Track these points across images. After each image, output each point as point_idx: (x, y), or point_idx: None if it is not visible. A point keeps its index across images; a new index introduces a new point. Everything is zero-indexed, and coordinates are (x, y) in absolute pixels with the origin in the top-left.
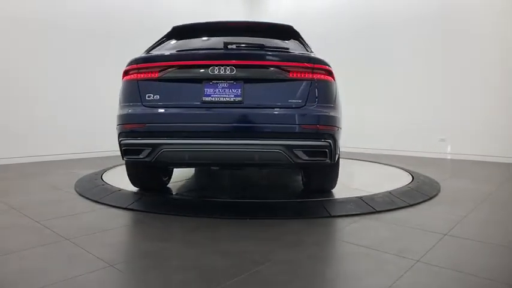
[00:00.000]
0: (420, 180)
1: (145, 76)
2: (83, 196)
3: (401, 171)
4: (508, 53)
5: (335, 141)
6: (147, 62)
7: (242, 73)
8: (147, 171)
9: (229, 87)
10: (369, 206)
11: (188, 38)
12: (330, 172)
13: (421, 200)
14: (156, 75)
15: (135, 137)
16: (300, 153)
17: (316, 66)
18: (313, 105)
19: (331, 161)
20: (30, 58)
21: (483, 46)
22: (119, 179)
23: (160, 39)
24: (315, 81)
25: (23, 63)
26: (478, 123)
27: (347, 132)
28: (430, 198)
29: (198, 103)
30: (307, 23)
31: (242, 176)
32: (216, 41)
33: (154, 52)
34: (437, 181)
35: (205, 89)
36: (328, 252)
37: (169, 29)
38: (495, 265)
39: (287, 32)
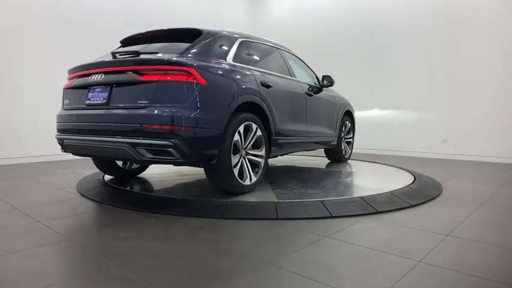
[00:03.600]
0: (422, 181)
1: (67, 85)
2: (84, 196)
3: (403, 171)
4: (510, 53)
5: (187, 141)
6: (69, 73)
7: (108, 78)
8: (101, 159)
9: (101, 91)
10: (370, 207)
11: (127, 47)
12: (218, 173)
13: (423, 200)
14: (70, 84)
15: (57, 133)
16: (143, 151)
17: (170, 68)
18: (159, 106)
19: (187, 160)
20: (30, 56)
21: (485, 46)
22: (121, 179)
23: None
24: (165, 82)
25: (24, 60)
26: (480, 124)
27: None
28: (432, 199)
29: (83, 106)
30: (308, 23)
31: None
32: (131, 49)
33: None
34: (439, 182)
35: (88, 94)
36: (329, 253)
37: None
38: (497, 266)
39: (193, 35)
